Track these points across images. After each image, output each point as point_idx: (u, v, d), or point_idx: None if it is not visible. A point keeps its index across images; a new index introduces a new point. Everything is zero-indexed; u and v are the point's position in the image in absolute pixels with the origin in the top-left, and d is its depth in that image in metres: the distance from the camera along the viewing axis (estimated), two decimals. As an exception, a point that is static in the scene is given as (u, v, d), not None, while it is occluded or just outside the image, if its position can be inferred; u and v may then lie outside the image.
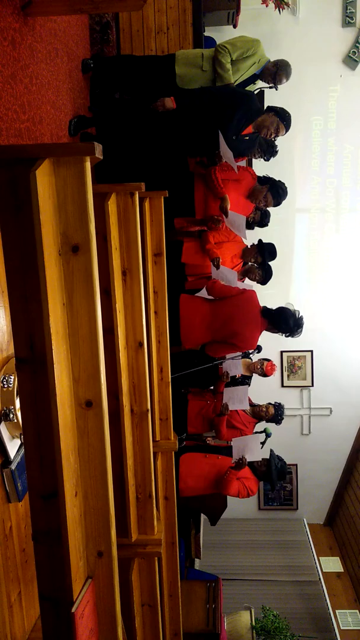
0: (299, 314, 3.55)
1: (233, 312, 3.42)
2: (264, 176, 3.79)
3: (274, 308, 3.60)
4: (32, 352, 1.19)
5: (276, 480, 3.74)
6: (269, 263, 3.96)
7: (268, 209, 3.92)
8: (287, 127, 3.56)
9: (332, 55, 5.54)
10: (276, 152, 3.85)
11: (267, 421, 4.05)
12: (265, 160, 3.85)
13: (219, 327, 3.43)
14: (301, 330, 3.57)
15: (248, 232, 3.85)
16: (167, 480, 2.95)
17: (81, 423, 1.24)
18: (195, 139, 3.54)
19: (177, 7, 4.37)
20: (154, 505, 2.23)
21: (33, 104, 2.89)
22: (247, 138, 3.64)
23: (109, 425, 1.34)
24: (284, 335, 3.57)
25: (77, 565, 1.26)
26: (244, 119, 3.51)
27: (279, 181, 3.75)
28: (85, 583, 1.29)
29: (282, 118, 3.51)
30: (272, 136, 3.56)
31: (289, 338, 3.63)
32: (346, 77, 5.58)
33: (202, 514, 5.62)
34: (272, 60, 3.88)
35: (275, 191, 3.66)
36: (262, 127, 3.53)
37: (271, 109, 3.56)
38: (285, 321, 3.48)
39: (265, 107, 3.74)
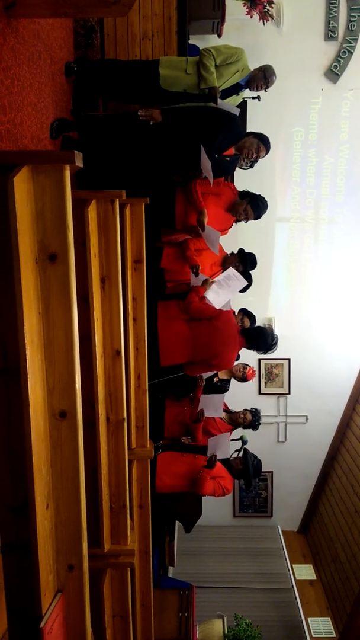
0: (274, 332, 3.69)
1: (213, 334, 3.48)
2: (244, 191, 3.85)
3: (253, 327, 3.72)
4: (6, 362, 1.17)
5: (252, 476, 3.80)
6: (250, 272, 3.99)
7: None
8: (267, 149, 3.85)
9: (314, 68, 5.62)
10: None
11: (244, 427, 4.06)
12: (249, 167, 3.94)
13: (199, 348, 3.50)
14: (275, 349, 3.73)
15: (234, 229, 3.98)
16: (142, 488, 2.93)
17: (55, 434, 1.22)
18: (179, 157, 3.58)
19: (163, 14, 4.37)
20: (128, 515, 2.21)
21: (14, 106, 2.85)
22: (228, 159, 3.72)
23: (83, 434, 1.32)
24: (258, 352, 3.70)
25: (47, 579, 1.23)
26: (227, 139, 3.60)
27: (259, 195, 3.81)
28: (54, 597, 1.27)
29: (262, 141, 3.80)
30: (253, 156, 3.83)
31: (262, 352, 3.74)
32: (328, 90, 5.66)
33: (176, 521, 5.59)
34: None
35: (255, 204, 3.72)
36: (244, 148, 3.81)
37: (252, 133, 3.87)
38: (264, 341, 3.62)
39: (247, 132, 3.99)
